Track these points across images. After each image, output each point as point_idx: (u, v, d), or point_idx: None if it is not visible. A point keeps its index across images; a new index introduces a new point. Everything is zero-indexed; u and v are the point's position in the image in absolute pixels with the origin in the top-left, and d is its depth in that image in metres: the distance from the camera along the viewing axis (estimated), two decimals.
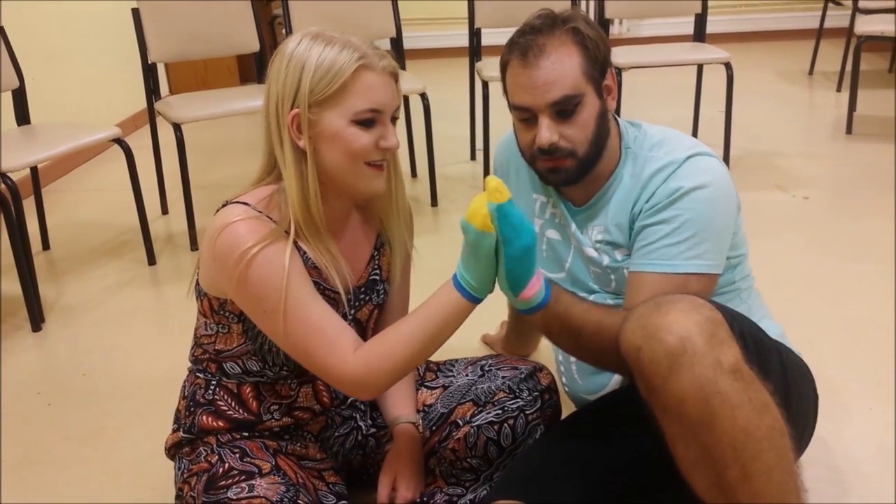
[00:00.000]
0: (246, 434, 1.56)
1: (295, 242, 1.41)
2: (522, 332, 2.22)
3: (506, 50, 1.53)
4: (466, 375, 1.74)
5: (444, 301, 1.37)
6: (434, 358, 1.65)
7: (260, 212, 1.41)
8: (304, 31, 1.42)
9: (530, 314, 1.39)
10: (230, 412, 1.56)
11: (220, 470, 1.47)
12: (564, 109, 1.48)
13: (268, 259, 1.36)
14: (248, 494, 1.40)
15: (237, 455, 1.50)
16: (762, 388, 1.22)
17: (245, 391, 1.56)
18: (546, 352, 2.25)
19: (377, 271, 1.61)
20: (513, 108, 1.54)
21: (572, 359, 1.70)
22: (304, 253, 1.45)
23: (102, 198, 3.87)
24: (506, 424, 1.64)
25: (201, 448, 1.55)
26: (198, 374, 1.59)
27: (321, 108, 1.37)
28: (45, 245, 3.30)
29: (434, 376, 1.76)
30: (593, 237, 1.61)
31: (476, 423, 1.65)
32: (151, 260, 3.10)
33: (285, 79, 1.38)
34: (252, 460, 1.48)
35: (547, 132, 1.48)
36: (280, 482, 1.43)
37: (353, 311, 1.57)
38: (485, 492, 1.63)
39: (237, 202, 1.43)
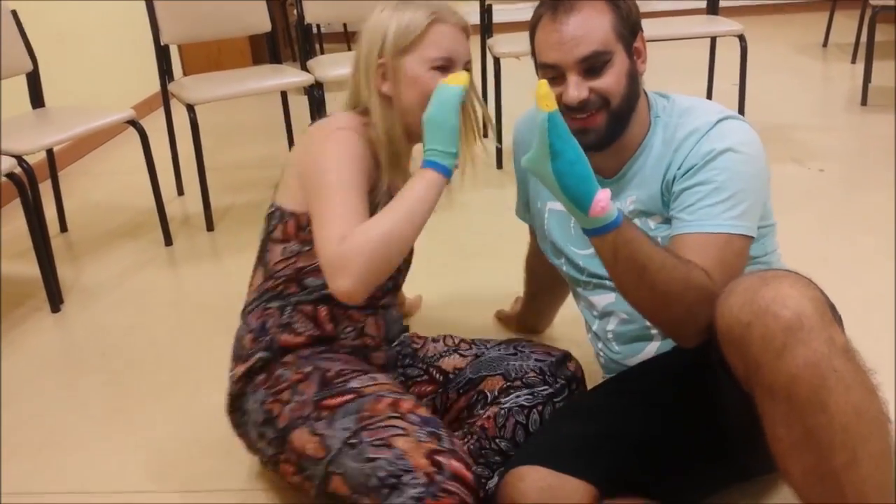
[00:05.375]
0: (326, 349, 1.64)
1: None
2: (537, 308, 2.22)
3: (537, 8, 1.53)
4: (499, 350, 1.79)
5: (415, 179, 1.48)
6: (467, 337, 1.83)
7: None
8: (387, 2, 1.62)
9: (602, 234, 1.32)
10: (307, 332, 1.64)
11: (330, 372, 1.57)
12: (593, 66, 1.46)
13: (349, 140, 1.55)
14: (374, 382, 1.54)
15: (336, 362, 1.60)
16: (868, 372, 1.19)
17: (321, 313, 1.65)
18: (561, 326, 2.26)
19: None
20: (540, 67, 1.53)
21: (609, 326, 1.69)
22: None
23: (118, 180, 3.90)
24: (535, 410, 1.67)
25: (281, 371, 1.60)
26: (268, 305, 1.66)
27: (402, 56, 1.57)
28: (63, 227, 3.33)
29: (469, 346, 1.82)
30: (626, 208, 1.59)
31: (507, 406, 1.68)
32: (168, 241, 3.13)
33: (372, 36, 1.60)
34: (352, 366, 1.59)
35: (575, 90, 1.46)
36: (387, 381, 1.58)
37: None
38: None
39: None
